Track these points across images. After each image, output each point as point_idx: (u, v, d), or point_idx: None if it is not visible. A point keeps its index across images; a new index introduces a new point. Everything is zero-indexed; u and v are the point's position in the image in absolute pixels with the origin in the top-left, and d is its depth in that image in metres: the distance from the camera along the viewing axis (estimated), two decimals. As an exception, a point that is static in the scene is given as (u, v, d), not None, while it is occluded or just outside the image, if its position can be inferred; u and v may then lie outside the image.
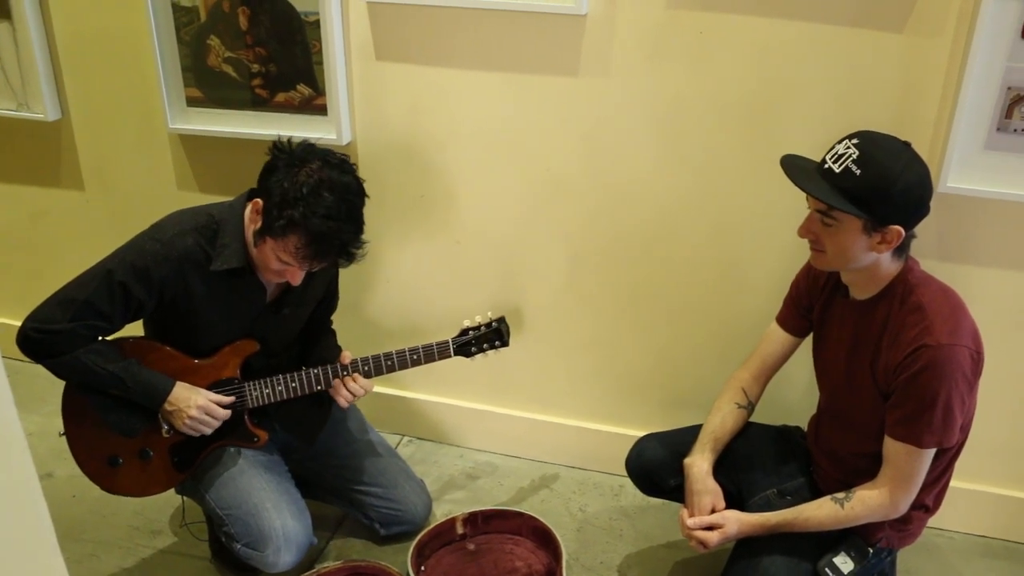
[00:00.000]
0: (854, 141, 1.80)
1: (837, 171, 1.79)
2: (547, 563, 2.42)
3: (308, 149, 2.03)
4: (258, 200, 2.02)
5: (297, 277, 2.09)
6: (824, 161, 1.84)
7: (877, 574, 2.09)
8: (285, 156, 2.01)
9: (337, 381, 2.26)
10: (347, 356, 2.28)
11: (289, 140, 2.05)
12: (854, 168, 1.77)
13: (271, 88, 2.61)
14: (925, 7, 2.10)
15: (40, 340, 2.06)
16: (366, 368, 2.26)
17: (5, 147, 3.07)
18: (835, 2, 2.16)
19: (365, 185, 2.09)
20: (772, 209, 2.38)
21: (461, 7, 2.38)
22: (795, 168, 1.87)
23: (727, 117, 2.34)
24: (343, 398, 2.26)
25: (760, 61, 2.26)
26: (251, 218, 2.07)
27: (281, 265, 2.05)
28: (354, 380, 2.26)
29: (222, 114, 2.69)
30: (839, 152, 1.81)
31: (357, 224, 2.06)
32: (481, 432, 2.99)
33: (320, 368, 2.26)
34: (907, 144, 1.82)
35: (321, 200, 1.95)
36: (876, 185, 1.75)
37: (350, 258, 2.07)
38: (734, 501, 2.15)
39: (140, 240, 2.09)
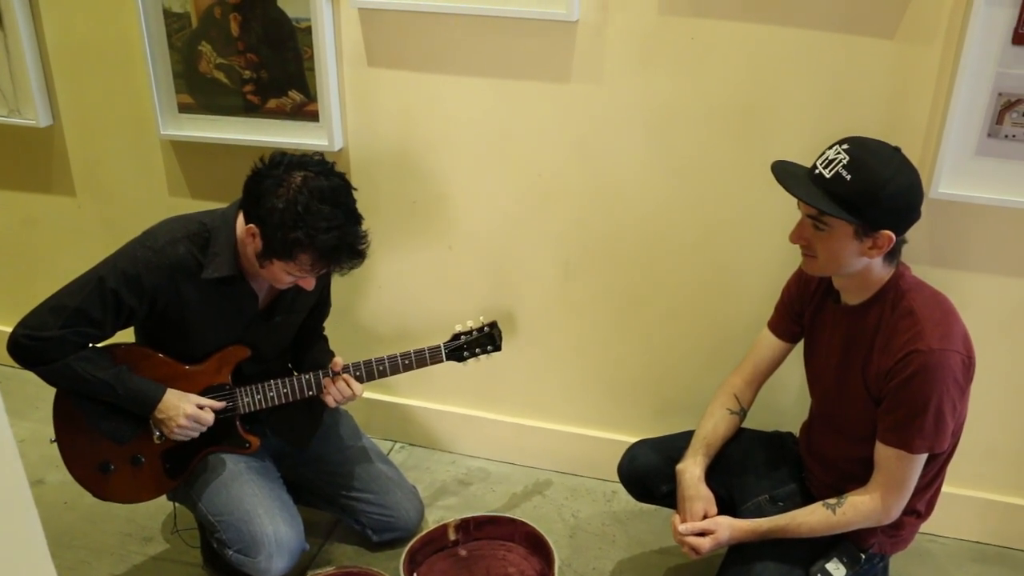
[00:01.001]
0: (844, 146, 1.81)
1: (828, 176, 1.79)
2: (540, 569, 2.42)
3: (284, 162, 2.01)
4: (252, 225, 2.02)
5: (311, 283, 2.11)
6: (815, 167, 1.84)
7: (869, 580, 2.10)
8: (267, 180, 1.98)
9: (327, 380, 2.26)
10: (338, 363, 2.27)
11: (262, 159, 2.04)
12: (844, 173, 1.77)
13: (263, 94, 2.61)
14: (916, 13, 2.11)
15: (31, 347, 2.05)
16: (357, 373, 2.26)
17: (-4, 153, 3.07)
18: (826, 8, 2.17)
19: (357, 192, 2.08)
20: (764, 214, 2.39)
21: (453, 13, 2.39)
22: (786, 174, 1.87)
23: (719, 122, 2.35)
24: (331, 397, 2.26)
25: (752, 67, 2.27)
26: (246, 240, 2.06)
27: (294, 279, 2.06)
28: (345, 382, 2.26)
29: (214, 120, 2.69)
30: (829, 157, 1.81)
31: (357, 222, 2.06)
32: (473, 438, 2.98)
33: (311, 374, 2.26)
34: (897, 149, 1.82)
35: (320, 214, 1.95)
36: (866, 190, 1.76)
37: (360, 256, 2.07)
38: (726, 507, 2.15)
39: (132, 247, 2.09)
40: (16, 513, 0.88)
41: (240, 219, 2.09)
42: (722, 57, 2.28)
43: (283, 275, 2.05)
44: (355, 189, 2.08)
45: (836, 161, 1.79)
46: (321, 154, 2.10)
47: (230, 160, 2.70)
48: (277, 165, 2.00)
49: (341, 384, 2.26)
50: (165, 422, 2.14)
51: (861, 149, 1.80)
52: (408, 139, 2.59)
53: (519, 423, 2.91)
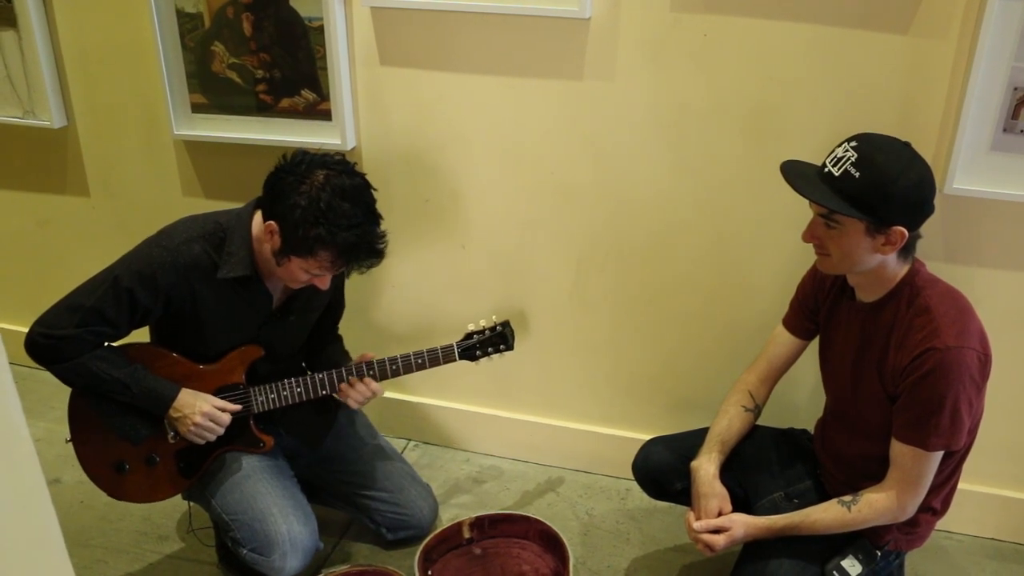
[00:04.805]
0: (852, 144, 1.80)
1: (837, 174, 1.79)
2: (554, 567, 2.42)
3: (306, 160, 2.02)
4: (271, 223, 2.02)
5: (325, 282, 2.11)
6: (824, 165, 1.83)
7: (885, 577, 2.09)
8: (289, 176, 2.00)
9: (344, 385, 2.26)
10: (369, 356, 2.28)
11: (284, 156, 2.05)
12: (853, 171, 1.76)
13: (275, 94, 2.62)
14: (930, 8, 2.10)
15: (47, 346, 2.06)
16: (371, 372, 2.27)
17: (11, 154, 3.08)
18: (839, 3, 2.16)
19: (367, 178, 2.09)
20: (777, 211, 2.38)
21: (465, 11, 2.39)
22: (795, 173, 1.86)
23: (731, 119, 2.34)
24: (352, 400, 2.27)
25: (765, 63, 2.26)
26: (264, 237, 2.07)
27: (311, 277, 2.07)
28: (364, 383, 2.27)
29: (227, 120, 2.69)
30: (838, 155, 1.81)
31: (376, 221, 2.07)
32: (487, 436, 2.99)
33: (325, 373, 2.26)
34: (907, 144, 1.81)
35: (341, 211, 1.96)
36: (876, 187, 1.75)
37: (379, 255, 2.08)
38: (741, 504, 2.14)
39: (147, 247, 2.10)
40: (34, 512, 0.88)
41: (256, 218, 2.09)
42: (734, 54, 2.27)
43: (300, 273, 2.06)
44: (375, 189, 2.09)
45: (845, 159, 1.79)
46: (342, 154, 2.10)
47: (243, 159, 2.71)
48: (299, 163, 2.01)
49: (360, 387, 2.26)
50: (180, 420, 2.15)
51: (869, 146, 1.79)
52: (421, 138, 2.59)
53: (533, 421, 2.91)
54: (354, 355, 2.38)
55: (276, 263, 2.07)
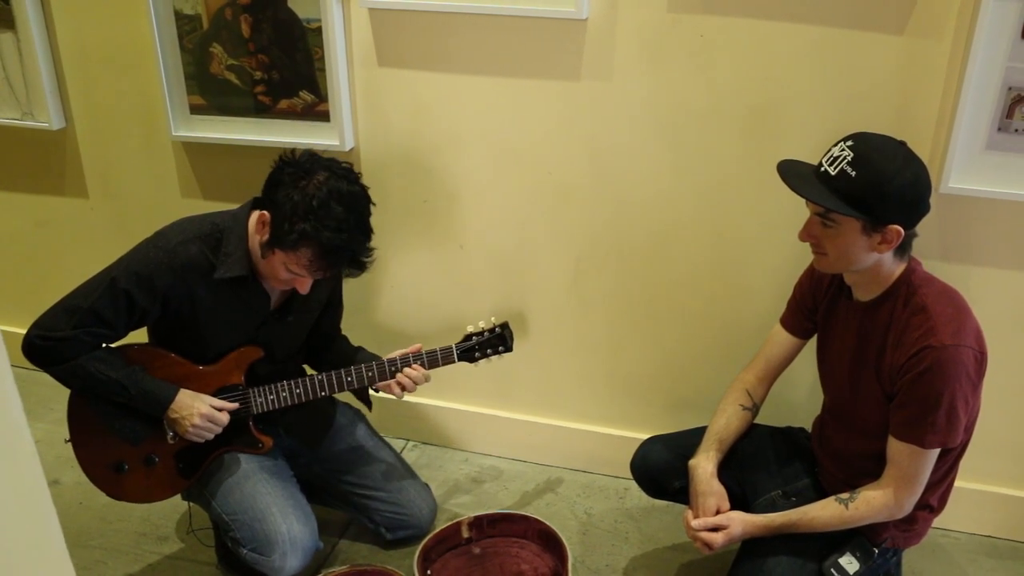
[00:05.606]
0: (848, 143, 1.81)
1: (833, 173, 1.80)
2: (553, 566, 2.42)
3: (312, 159, 2.04)
4: (264, 212, 2.03)
5: (305, 286, 2.11)
6: (821, 164, 1.84)
7: (883, 574, 2.10)
8: (291, 169, 2.01)
9: (400, 375, 2.27)
10: (417, 347, 2.29)
11: (293, 151, 2.06)
12: (849, 170, 1.77)
13: (274, 95, 2.62)
14: (925, 8, 2.11)
15: (45, 347, 2.06)
16: (370, 374, 2.27)
17: (10, 156, 3.08)
18: (835, 4, 2.16)
19: (369, 191, 2.09)
20: (775, 211, 2.39)
21: (463, 13, 2.39)
22: (791, 173, 1.87)
23: (728, 120, 2.35)
24: (399, 387, 2.27)
25: (761, 63, 2.27)
26: (257, 229, 2.07)
27: (290, 275, 2.07)
28: (414, 368, 2.27)
29: (225, 121, 2.70)
30: (834, 155, 1.81)
31: (366, 233, 2.08)
32: (486, 436, 2.99)
33: (324, 374, 2.26)
34: (902, 143, 1.82)
35: (331, 212, 1.97)
36: (872, 185, 1.76)
37: (361, 267, 2.08)
38: (739, 502, 2.15)
39: (144, 248, 2.10)
40: (34, 513, 0.88)
41: (252, 219, 2.10)
42: (731, 54, 2.28)
43: (281, 269, 2.06)
44: (374, 204, 2.09)
45: (841, 158, 1.79)
46: (350, 163, 2.11)
47: (241, 161, 2.72)
48: (305, 161, 2.03)
49: (411, 372, 2.27)
50: (179, 422, 2.15)
51: (865, 145, 1.80)
52: (419, 138, 2.60)
53: (532, 421, 2.92)
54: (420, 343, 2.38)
55: (261, 255, 2.07)
